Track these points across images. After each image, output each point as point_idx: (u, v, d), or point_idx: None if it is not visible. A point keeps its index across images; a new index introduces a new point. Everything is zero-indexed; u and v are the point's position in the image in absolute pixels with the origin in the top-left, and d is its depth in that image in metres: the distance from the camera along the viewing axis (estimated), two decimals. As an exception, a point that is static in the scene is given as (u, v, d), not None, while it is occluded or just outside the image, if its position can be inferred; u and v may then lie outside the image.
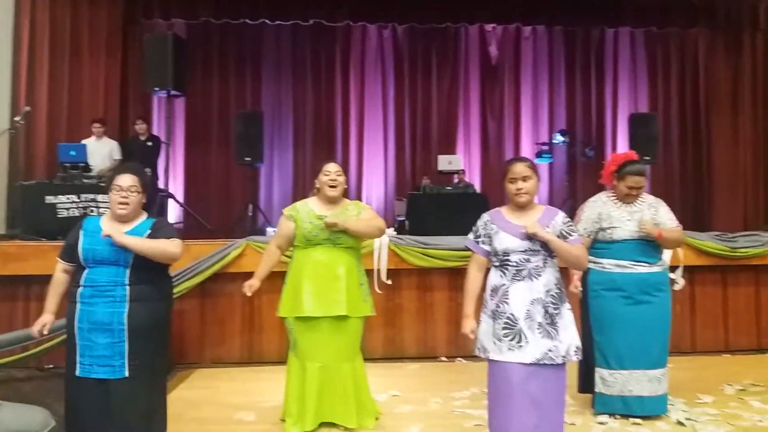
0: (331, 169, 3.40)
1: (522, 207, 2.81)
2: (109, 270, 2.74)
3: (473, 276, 2.86)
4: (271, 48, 8.58)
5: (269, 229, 7.31)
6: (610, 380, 3.54)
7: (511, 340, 2.66)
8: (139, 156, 6.43)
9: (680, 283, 5.02)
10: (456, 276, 5.15)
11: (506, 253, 2.74)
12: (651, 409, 3.53)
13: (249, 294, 3.43)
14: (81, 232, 2.81)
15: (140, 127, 6.96)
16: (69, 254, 2.84)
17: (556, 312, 2.71)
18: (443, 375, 4.60)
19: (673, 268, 4.99)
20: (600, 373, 3.56)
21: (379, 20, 8.40)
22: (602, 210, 3.65)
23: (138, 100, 7.81)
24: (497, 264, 2.78)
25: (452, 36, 8.84)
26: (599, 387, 3.57)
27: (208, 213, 7.39)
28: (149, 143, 6.99)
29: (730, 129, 8.34)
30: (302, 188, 7.97)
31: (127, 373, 2.73)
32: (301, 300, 3.30)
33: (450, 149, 8.66)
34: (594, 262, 3.58)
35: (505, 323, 2.68)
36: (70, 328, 2.77)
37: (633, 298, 3.52)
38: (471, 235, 2.89)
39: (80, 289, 2.76)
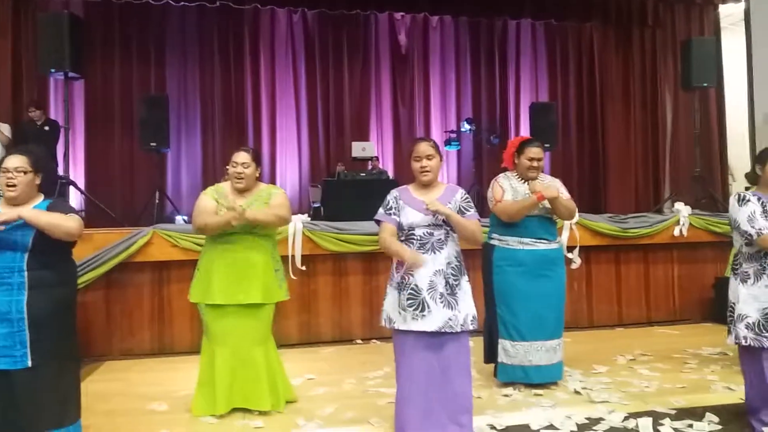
0: (239, 160, 3.37)
1: (426, 184, 3.00)
2: (4, 256, 2.61)
3: (388, 238, 2.93)
4: (176, 30, 8.26)
5: (178, 217, 7.11)
6: (512, 351, 3.76)
7: (415, 309, 2.83)
8: (35, 142, 6.04)
9: (577, 262, 5.38)
10: (370, 260, 5.27)
11: (411, 228, 2.92)
12: (548, 376, 3.80)
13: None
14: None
15: (34, 114, 6.54)
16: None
17: (456, 283, 2.91)
18: (358, 357, 4.71)
19: (570, 248, 5.36)
20: (503, 344, 3.78)
21: (288, 4, 8.29)
22: (510, 183, 3.84)
23: (33, 82, 7.30)
24: (403, 238, 2.95)
25: (362, 23, 8.88)
26: (502, 357, 3.78)
27: (112, 201, 7.07)
28: (46, 128, 6.58)
29: (622, 118, 8.94)
30: (212, 174, 7.77)
31: (30, 363, 2.60)
32: (212, 287, 3.29)
33: (363, 136, 8.74)
34: (498, 240, 3.79)
35: (410, 294, 2.85)
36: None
37: (533, 273, 3.74)
38: (381, 210, 3.01)
39: (-26, 278, 2.60)
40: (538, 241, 3.77)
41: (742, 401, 3.35)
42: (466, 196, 3.07)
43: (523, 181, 3.82)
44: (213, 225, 3.30)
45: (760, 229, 2.96)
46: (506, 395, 3.69)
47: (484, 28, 9.19)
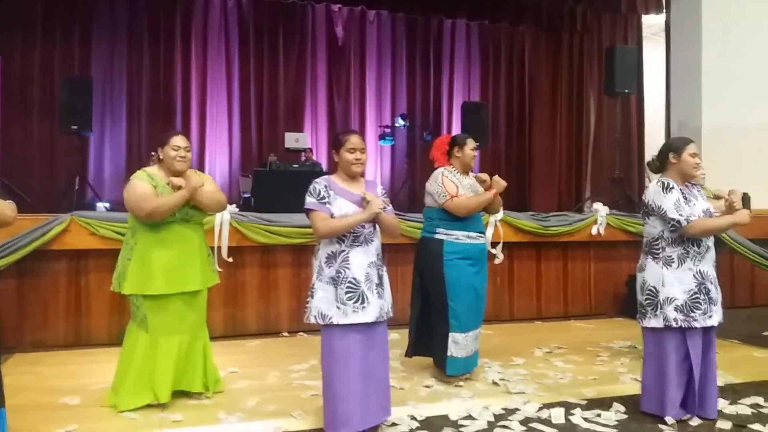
0: (181, 143, 3.32)
1: (354, 176, 3.00)
2: None
3: (331, 221, 2.87)
4: (103, 10, 7.93)
5: (99, 205, 6.84)
6: (462, 343, 3.79)
7: (356, 302, 2.85)
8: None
9: (500, 257, 5.56)
10: (300, 253, 5.25)
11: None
12: (475, 363, 3.95)
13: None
14: None
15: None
16: None
17: (382, 274, 3.01)
18: (284, 349, 4.69)
19: (494, 244, 5.53)
20: (454, 337, 3.77)
21: (223, -12, 8.13)
22: (455, 178, 3.89)
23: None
24: None
25: (299, 13, 8.81)
26: (452, 351, 3.77)
27: (28, 186, 6.73)
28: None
29: (548, 120, 9.27)
30: (137, 160, 7.51)
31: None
32: (153, 277, 3.23)
33: (297, 127, 8.68)
34: (446, 234, 3.80)
35: (348, 287, 2.85)
36: None
37: (476, 266, 3.85)
38: (312, 198, 2.90)
39: None
40: (480, 235, 3.91)
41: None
42: (385, 191, 3.14)
43: (463, 175, 3.92)
44: (168, 205, 3.21)
45: (688, 216, 3.10)
46: (427, 386, 3.77)
47: (420, 25, 9.30)
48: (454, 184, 3.83)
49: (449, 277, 3.76)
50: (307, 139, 8.14)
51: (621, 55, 7.37)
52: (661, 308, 3.13)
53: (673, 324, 3.12)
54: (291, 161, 7.56)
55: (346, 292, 2.84)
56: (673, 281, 3.13)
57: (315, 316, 2.87)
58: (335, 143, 3.04)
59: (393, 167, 9.27)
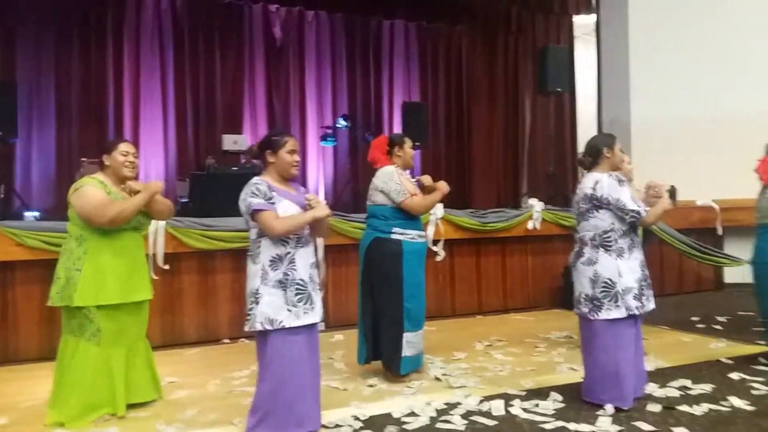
0: (129, 149, 3.35)
1: (291, 178, 3.00)
2: None
3: (284, 219, 2.81)
4: (29, 11, 7.57)
5: (27, 213, 6.53)
6: (414, 341, 3.84)
7: (305, 303, 2.85)
8: None
9: (441, 254, 5.65)
10: (240, 257, 5.13)
11: None
12: (422, 359, 4.03)
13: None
14: None
15: None
16: None
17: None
18: (225, 357, 4.62)
19: (435, 242, 5.61)
20: (407, 337, 3.80)
21: (155, -12, 7.91)
22: (405, 177, 3.94)
23: None
24: None
25: (236, 13, 8.65)
26: (406, 351, 3.80)
27: (-53, 195, 6.36)
28: None
29: (486, 119, 9.44)
30: (68, 166, 7.22)
31: None
32: (107, 286, 3.18)
33: (236, 129, 8.51)
34: (402, 234, 3.82)
35: (297, 289, 2.83)
36: None
37: (422, 264, 3.94)
38: (259, 199, 2.80)
39: None
40: (425, 234, 4.03)
41: (583, 380, 3.69)
42: (305, 191, 3.16)
43: (407, 173, 3.97)
44: (130, 210, 3.20)
45: (645, 207, 3.28)
46: (371, 385, 3.79)
47: (359, 26, 9.29)
48: (409, 182, 3.88)
49: (407, 278, 3.78)
50: (246, 141, 8.01)
51: (553, 55, 7.60)
52: (622, 298, 3.22)
53: (635, 312, 3.24)
54: (230, 164, 7.43)
55: (296, 294, 2.83)
56: (627, 271, 3.25)
57: (262, 323, 2.79)
58: (270, 145, 2.97)
59: (336, 168, 9.24)
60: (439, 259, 5.58)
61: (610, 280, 3.24)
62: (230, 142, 7.59)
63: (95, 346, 3.21)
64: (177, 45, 8.35)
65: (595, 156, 3.42)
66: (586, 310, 3.32)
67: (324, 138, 8.92)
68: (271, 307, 2.79)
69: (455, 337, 5.08)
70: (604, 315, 3.25)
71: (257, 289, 2.82)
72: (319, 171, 9.22)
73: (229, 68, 8.64)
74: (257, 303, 2.81)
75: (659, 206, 3.35)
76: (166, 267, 4.79)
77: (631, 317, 3.28)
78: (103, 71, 7.93)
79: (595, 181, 3.32)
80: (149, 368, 3.48)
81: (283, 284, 2.82)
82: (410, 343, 3.82)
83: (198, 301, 5.10)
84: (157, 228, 4.73)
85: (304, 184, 9.00)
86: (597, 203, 3.30)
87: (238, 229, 4.94)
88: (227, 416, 3.27)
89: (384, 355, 3.88)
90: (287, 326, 2.80)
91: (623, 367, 3.26)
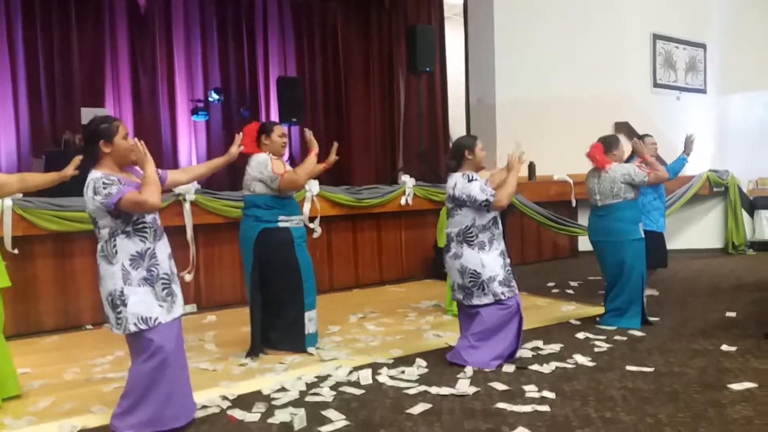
0: None
1: (131, 165, 2.87)
2: None
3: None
4: None
5: None
6: (314, 318, 4.01)
7: (172, 297, 2.80)
8: None
9: (318, 230, 5.68)
10: (100, 239, 4.88)
11: (143, 216, 2.73)
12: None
13: None
14: None
15: None
16: None
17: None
18: (86, 343, 4.38)
19: (312, 219, 5.63)
20: (309, 315, 3.97)
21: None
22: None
23: None
24: (130, 230, 2.68)
25: (93, -22, 8.04)
26: (309, 328, 3.97)
27: None
28: None
29: (363, 97, 9.54)
30: None
31: None
32: None
33: (97, 102, 7.97)
34: (288, 220, 3.90)
35: (163, 284, 2.76)
36: None
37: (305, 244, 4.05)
38: (114, 188, 2.61)
39: None
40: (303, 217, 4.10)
41: (447, 345, 3.93)
42: None
43: (277, 159, 3.93)
44: None
45: (492, 193, 3.52)
46: (242, 365, 3.76)
47: (228, -2, 8.97)
48: (280, 163, 3.89)
49: (301, 260, 3.93)
50: (108, 114, 7.53)
51: (422, 35, 7.75)
52: (488, 286, 3.56)
53: (501, 297, 3.58)
54: (90, 139, 6.94)
55: (163, 289, 2.75)
56: (490, 262, 3.57)
57: (135, 324, 2.66)
58: (102, 134, 2.70)
59: (209, 143, 8.94)
60: (316, 235, 5.62)
61: (475, 271, 3.58)
62: (90, 115, 7.05)
63: None
64: (26, 11, 7.62)
65: (458, 158, 3.71)
66: (460, 296, 3.69)
67: (195, 112, 8.59)
68: (141, 306, 2.67)
69: (331, 311, 5.15)
70: (476, 301, 3.62)
71: (121, 291, 2.66)
72: (191, 146, 8.89)
73: (88, 38, 8.06)
74: (125, 305, 2.65)
75: (507, 183, 3.60)
76: (15, 251, 4.43)
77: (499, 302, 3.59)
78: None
79: (454, 182, 3.64)
80: (7, 363, 3.21)
81: (149, 281, 2.71)
82: (312, 320, 4.00)
83: (55, 286, 4.78)
84: (2, 209, 4.34)
85: (175, 159, 8.63)
86: (458, 202, 3.61)
87: (98, 210, 4.66)
88: (86, 404, 3.12)
89: (287, 342, 3.94)
90: (163, 322, 2.71)
91: (504, 337, 3.64)
